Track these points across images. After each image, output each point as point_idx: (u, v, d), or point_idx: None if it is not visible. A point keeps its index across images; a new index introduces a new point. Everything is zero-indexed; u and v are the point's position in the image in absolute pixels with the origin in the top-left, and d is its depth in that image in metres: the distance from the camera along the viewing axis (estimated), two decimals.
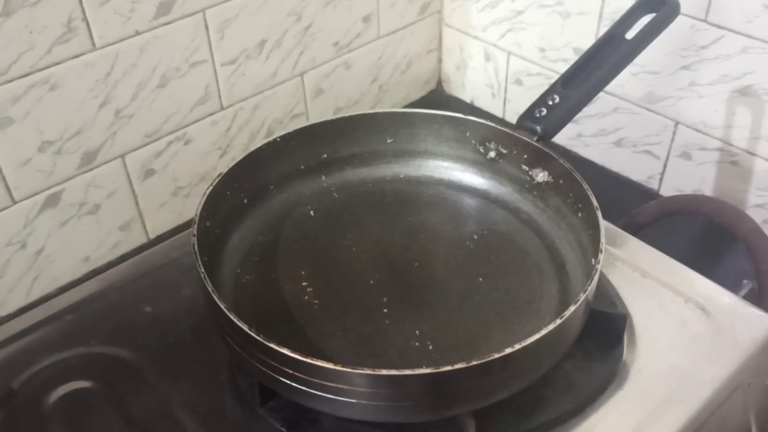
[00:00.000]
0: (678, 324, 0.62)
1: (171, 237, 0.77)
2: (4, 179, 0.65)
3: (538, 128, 0.63)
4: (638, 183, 0.88)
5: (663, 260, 0.68)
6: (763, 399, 0.62)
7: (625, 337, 0.60)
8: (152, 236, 0.78)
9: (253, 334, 0.48)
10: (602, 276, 0.65)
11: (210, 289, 0.51)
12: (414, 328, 0.57)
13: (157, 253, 0.74)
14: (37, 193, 0.68)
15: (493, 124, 0.67)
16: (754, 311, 0.63)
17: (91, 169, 0.70)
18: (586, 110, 0.87)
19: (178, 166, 0.77)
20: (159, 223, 0.78)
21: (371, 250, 0.64)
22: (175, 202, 0.79)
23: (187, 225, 0.78)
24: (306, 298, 0.60)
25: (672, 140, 0.83)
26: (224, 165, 0.77)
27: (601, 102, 0.86)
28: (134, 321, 0.65)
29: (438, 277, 0.62)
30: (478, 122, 0.67)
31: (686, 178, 0.82)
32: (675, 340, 0.61)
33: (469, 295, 0.60)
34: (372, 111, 0.70)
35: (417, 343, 0.56)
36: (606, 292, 0.63)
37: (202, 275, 0.52)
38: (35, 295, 0.71)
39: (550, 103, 0.63)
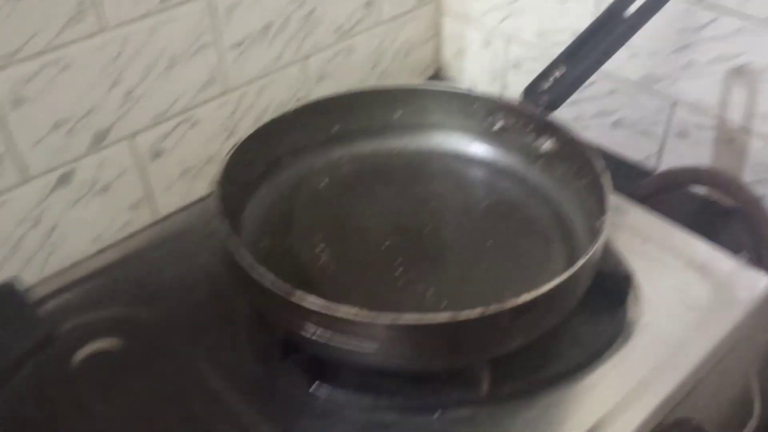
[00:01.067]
0: (680, 284, 0.65)
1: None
2: (18, 157, 0.66)
3: (544, 99, 0.65)
4: (636, 163, 0.90)
5: (664, 226, 0.70)
6: (762, 354, 0.64)
7: (630, 298, 0.63)
8: (162, 215, 0.79)
9: (276, 290, 0.50)
10: (607, 241, 0.67)
11: (235, 246, 0.53)
12: (427, 287, 0.60)
13: (173, 223, 0.76)
14: (50, 172, 0.69)
15: (499, 97, 0.69)
16: (752, 272, 0.66)
17: (102, 149, 0.72)
18: (585, 92, 0.90)
19: (185, 147, 0.78)
20: (167, 203, 0.79)
21: (383, 217, 0.66)
22: (183, 183, 0.80)
23: (194, 209, 0.79)
24: (322, 261, 0.62)
25: (669, 120, 0.85)
26: (231, 147, 0.78)
27: (599, 84, 0.88)
28: (155, 286, 0.67)
29: (449, 241, 0.64)
30: (485, 95, 0.69)
31: (683, 157, 0.84)
32: (677, 299, 0.63)
33: (479, 257, 0.62)
34: (381, 85, 0.72)
35: (431, 302, 0.58)
36: (611, 255, 0.65)
37: (227, 233, 0.54)
38: (48, 272, 0.72)
39: (555, 75, 0.66)
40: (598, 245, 0.54)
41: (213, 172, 0.80)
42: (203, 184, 0.81)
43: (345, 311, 0.48)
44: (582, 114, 0.92)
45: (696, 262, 0.67)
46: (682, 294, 0.64)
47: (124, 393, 0.58)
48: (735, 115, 0.78)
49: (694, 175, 0.78)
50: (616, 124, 0.90)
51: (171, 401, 0.57)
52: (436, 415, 0.55)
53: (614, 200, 0.72)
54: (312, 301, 0.49)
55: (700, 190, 0.83)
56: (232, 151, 0.63)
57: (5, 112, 0.63)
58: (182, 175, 0.80)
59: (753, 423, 0.65)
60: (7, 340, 0.41)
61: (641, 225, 0.71)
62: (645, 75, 0.83)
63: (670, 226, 0.71)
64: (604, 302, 0.61)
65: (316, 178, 0.70)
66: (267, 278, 0.51)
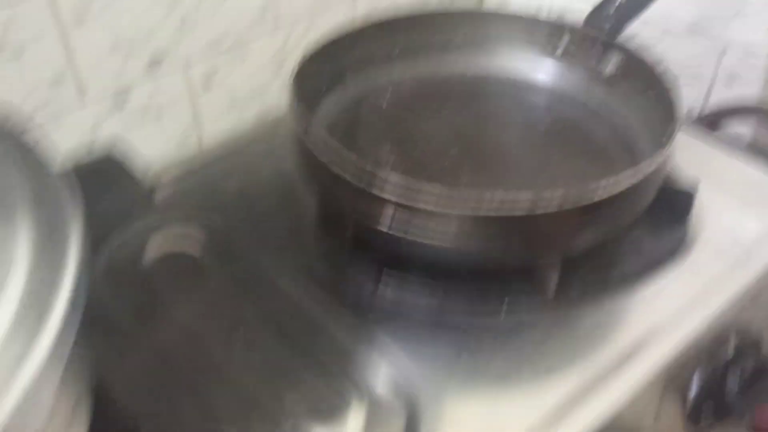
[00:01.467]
0: (743, 205, 0.66)
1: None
2: (77, 77, 0.67)
3: (607, 24, 0.66)
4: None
5: (727, 148, 0.71)
6: None
7: (694, 213, 0.63)
8: (209, 145, 0.80)
9: (358, 172, 0.51)
10: (672, 159, 0.68)
11: (306, 128, 0.54)
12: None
13: (233, 140, 0.77)
14: (106, 93, 0.70)
15: (563, 20, 0.70)
16: None
17: (157, 75, 0.73)
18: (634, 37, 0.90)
19: (235, 78, 0.79)
20: (215, 133, 0.80)
21: (445, 132, 0.67)
22: (231, 113, 0.81)
23: (246, 132, 0.81)
24: (389, 167, 0.63)
25: (719, 64, 0.85)
26: (280, 81, 0.79)
27: (649, 27, 0.88)
28: (221, 196, 0.68)
29: (511, 155, 0.65)
30: (549, 19, 0.70)
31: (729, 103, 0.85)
32: (740, 215, 0.64)
33: (541, 170, 0.63)
34: (445, 8, 0.73)
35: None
36: (676, 172, 0.66)
37: (299, 114, 0.55)
38: None
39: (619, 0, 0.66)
40: (666, 152, 0.54)
41: (261, 103, 0.82)
42: (251, 115, 0.82)
43: (425, 200, 0.49)
44: None
45: (759, 182, 0.68)
46: (745, 213, 0.65)
47: (196, 289, 0.59)
48: None
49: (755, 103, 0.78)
50: None
51: (242, 299, 0.58)
52: (502, 314, 0.56)
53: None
54: (392, 192, 0.49)
55: (747, 132, 0.83)
56: (299, 64, 0.64)
57: (68, 29, 0.64)
58: (231, 106, 0.81)
59: None
60: (107, 203, 0.43)
61: (705, 146, 0.71)
62: (695, 19, 0.83)
63: (734, 149, 0.71)
64: (667, 217, 0.62)
65: (380, 93, 0.71)
66: (347, 169, 0.51)
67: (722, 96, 0.85)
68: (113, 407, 0.49)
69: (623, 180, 0.50)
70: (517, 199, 0.48)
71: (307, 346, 0.54)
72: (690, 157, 0.70)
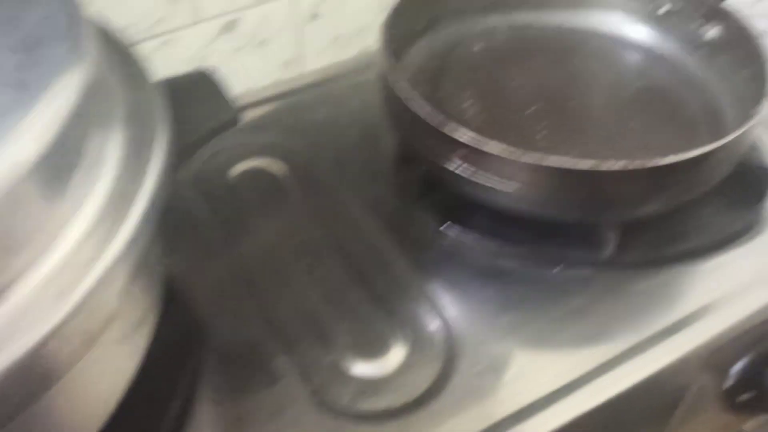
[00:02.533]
0: None
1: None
2: None
3: None
4: None
5: None
6: None
7: None
8: (309, 79, 0.82)
9: (432, 118, 0.53)
10: (757, 142, 0.66)
11: (394, 78, 0.56)
12: (568, 151, 0.61)
13: (326, 71, 0.80)
14: (218, 17, 0.73)
15: None
16: None
17: (266, 2, 0.75)
18: (755, 8, 0.85)
19: (341, 13, 0.81)
20: (317, 67, 0.82)
21: (532, 85, 0.68)
22: (334, 49, 0.83)
23: (345, 62, 0.83)
24: (469, 116, 0.65)
25: None
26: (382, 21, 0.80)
27: None
28: (310, 122, 0.72)
29: (594, 116, 0.65)
30: None
31: None
32: None
33: (622, 134, 0.63)
34: None
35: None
36: (758, 153, 0.65)
37: (388, 65, 0.57)
38: None
39: None
40: (750, 125, 0.53)
41: (364, 42, 0.83)
42: (353, 52, 0.84)
43: (494, 145, 0.51)
44: None
45: None
46: None
47: (275, 205, 0.64)
48: None
49: None
50: None
51: (316, 222, 0.62)
52: (556, 270, 0.58)
53: None
54: (463, 133, 0.52)
55: None
56: (397, 3, 0.66)
57: None
58: (334, 41, 0.83)
59: None
60: (197, 116, 0.47)
61: None
62: None
63: None
64: (742, 195, 0.61)
65: (471, 43, 0.72)
66: (423, 108, 0.54)
67: None
68: (184, 309, 0.54)
69: (692, 152, 0.50)
70: (578, 164, 0.49)
71: (368, 276, 0.58)
72: None
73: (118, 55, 0.42)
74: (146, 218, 0.35)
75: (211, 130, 0.47)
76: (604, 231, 0.57)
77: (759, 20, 0.86)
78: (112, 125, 0.36)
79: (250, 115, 0.73)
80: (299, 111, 0.74)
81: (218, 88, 0.48)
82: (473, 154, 0.53)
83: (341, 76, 0.78)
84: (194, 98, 0.48)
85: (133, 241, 0.34)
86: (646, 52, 0.71)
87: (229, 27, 0.74)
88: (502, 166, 0.52)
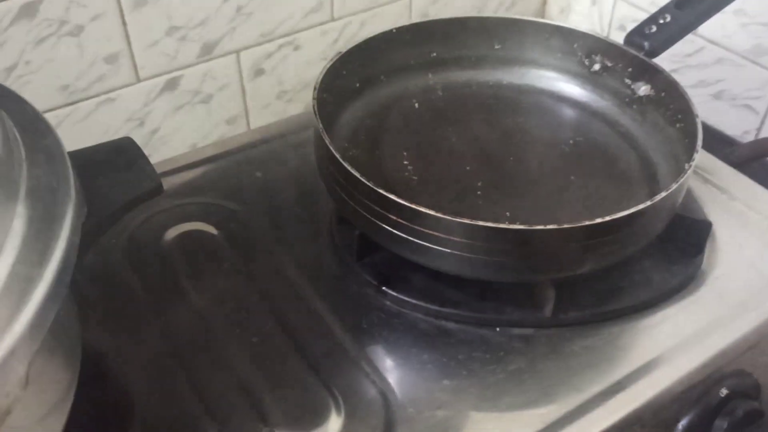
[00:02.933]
0: (759, 243, 0.64)
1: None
2: (132, 57, 0.70)
3: (647, 44, 0.65)
4: (733, 137, 0.88)
5: (752, 187, 0.70)
6: None
7: (707, 248, 0.62)
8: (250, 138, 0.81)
9: (364, 180, 0.53)
10: (691, 192, 0.67)
11: (327, 141, 0.56)
12: (504, 210, 0.61)
13: (265, 130, 0.79)
14: (159, 75, 0.73)
15: (602, 37, 0.69)
16: None
17: (209, 60, 0.75)
18: (689, 60, 0.88)
19: (285, 70, 0.81)
20: (262, 122, 0.82)
21: (469, 143, 0.68)
22: (278, 104, 0.83)
23: (287, 121, 0.82)
24: (406, 174, 0.64)
25: None
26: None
27: (705, 52, 0.86)
28: (246, 182, 0.71)
29: (531, 171, 0.65)
30: (587, 34, 0.70)
31: None
32: (754, 257, 0.63)
33: (559, 189, 0.63)
34: (484, 15, 0.73)
35: (507, 222, 0.60)
36: (693, 206, 0.65)
37: (321, 129, 0.57)
38: None
39: (661, 21, 0.66)
40: (682, 181, 0.54)
41: (308, 97, 0.83)
42: (297, 107, 0.84)
43: (427, 209, 0.50)
44: (683, 82, 0.90)
45: None
46: (760, 254, 0.63)
47: (209, 270, 0.62)
48: None
49: None
50: (717, 95, 0.88)
51: (251, 285, 0.61)
52: (496, 330, 0.57)
53: (705, 159, 0.72)
54: (396, 197, 0.51)
55: None
56: (334, 60, 0.66)
57: (126, 11, 0.67)
58: (279, 97, 0.83)
59: None
60: (122, 184, 0.45)
61: (729, 184, 0.70)
62: (754, 46, 0.81)
63: (758, 189, 0.70)
64: (681, 248, 0.61)
65: (409, 101, 0.72)
66: (356, 173, 0.53)
67: None
68: (111, 383, 0.52)
69: (624, 211, 0.50)
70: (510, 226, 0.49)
71: (305, 342, 0.56)
72: (715, 191, 0.69)
73: (26, 127, 0.40)
74: (50, 300, 0.33)
75: (132, 200, 0.45)
76: (544, 289, 0.56)
77: (691, 71, 0.88)
78: (12, 204, 0.34)
79: (186, 176, 0.72)
80: (238, 171, 0.73)
81: (141, 155, 0.47)
82: (408, 218, 0.52)
83: (282, 135, 0.77)
84: (115, 167, 0.46)
85: (36, 326, 0.32)
86: (582, 107, 0.72)
87: (171, 85, 0.74)
88: (437, 229, 0.51)
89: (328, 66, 0.64)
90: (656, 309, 0.59)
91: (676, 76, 0.88)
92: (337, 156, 0.54)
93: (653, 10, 0.87)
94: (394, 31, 0.70)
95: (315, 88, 0.62)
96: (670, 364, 0.55)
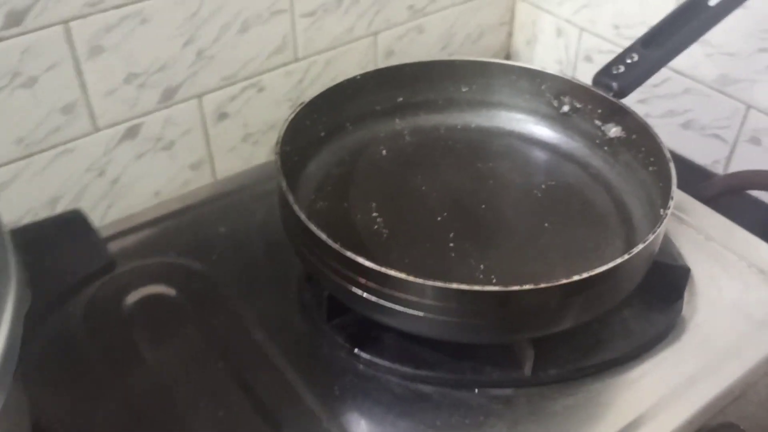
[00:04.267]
0: (739, 286, 0.63)
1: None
2: (90, 106, 0.68)
3: (615, 84, 0.64)
4: (703, 167, 0.88)
5: (728, 226, 0.69)
6: None
7: (686, 294, 0.61)
8: (220, 178, 0.80)
9: (330, 243, 0.50)
10: (667, 235, 0.66)
11: (291, 200, 0.53)
12: (478, 263, 0.59)
13: (232, 180, 0.77)
14: (118, 124, 0.70)
15: (570, 78, 0.68)
16: None
17: (170, 106, 0.73)
18: (656, 90, 0.88)
19: (250, 112, 0.79)
20: (227, 166, 0.80)
21: (440, 191, 0.66)
22: (244, 147, 0.81)
23: (247, 171, 0.81)
24: (375, 227, 0.62)
25: (742, 124, 0.83)
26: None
27: (672, 83, 0.86)
28: (209, 238, 0.68)
29: (504, 219, 0.64)
30: (555, 76, 0.69)
31: (753, 164, 0.82)
32: (736, 300, 0.62)
33: (534, 238, 0.62)
34: (451, 58, 0.72)
35: (481, 276, 0.58)
36: (670, 249, 0.64)
37: (284, 188, 0.55)
38: (108, 221, 0.74)
39: (629, 61, 0.65)
40: (658, 231, 0.52)
41: (274, 139, 0.81)
42: (264, 150, 0.82)
43: (396, 272, 0.48)
44: (651, 112, 0.90)
45: (758, 265, 0.65)
46: (740, 296, 0.62)
47: (172, 336, 0.59)
48: None
49: (763, 178, 0.76)
50: (686, 125, 0.88)
51: (216, 350, 0.58)
52: (475, 392, 0.55)
53: (679, 196, 0.71)
54: (362, 262, 0.49)
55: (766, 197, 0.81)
56: (297, 111, 0.64)
57: (82, 60, 0.65)
58: (244, 140, 0.81)
59: None
60: (71, 261, 0.43)
61: (704, 224, 0.69)
62: (720, 76, 0.81)
63: (734, 227, 0.69)
64: (659, 295, 0.60)
65: (377, 147, 0.71)
66: (320, 234, 0.51)
67: (748, 156, 0.82)
68: None
69: (602, 267, 0.49)
70: (485, 288, 0.47)
71: (273, 410, 0.54)
72: (690, 232, 0.68)
73: None
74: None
75: (83, 279, 0.42)
76: (522, 347, 0.54)
77: (660, 101, 0.88)
78: None
79: (147, 234, 0.69)
80: (201, 226, 0.70)
81: (90, 229, 0.44)
82: (379, 281, 0.50)
83: (248, 186, 0.75)
84: (64, 243, 0.44)
85: None
86: (552, 150, 0.70)
87: (131, 133, 0.72)
88: (409, 292, 0.49)
89: (291, 118, 0.62)
90: (638, 361, 0.57)
91: (645, 107, 0.89)
92: (302, 217, 0.52)
93: (618, 40, 0.88)
94: (359, 77, 0.68)
95: (277, 142, 0.60)
96: (655, 421, 0.53)
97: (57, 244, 0.43)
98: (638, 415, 0.53)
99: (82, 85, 0.66)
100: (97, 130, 0.69)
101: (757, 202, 0.81)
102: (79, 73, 0.66)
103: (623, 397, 0.55)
